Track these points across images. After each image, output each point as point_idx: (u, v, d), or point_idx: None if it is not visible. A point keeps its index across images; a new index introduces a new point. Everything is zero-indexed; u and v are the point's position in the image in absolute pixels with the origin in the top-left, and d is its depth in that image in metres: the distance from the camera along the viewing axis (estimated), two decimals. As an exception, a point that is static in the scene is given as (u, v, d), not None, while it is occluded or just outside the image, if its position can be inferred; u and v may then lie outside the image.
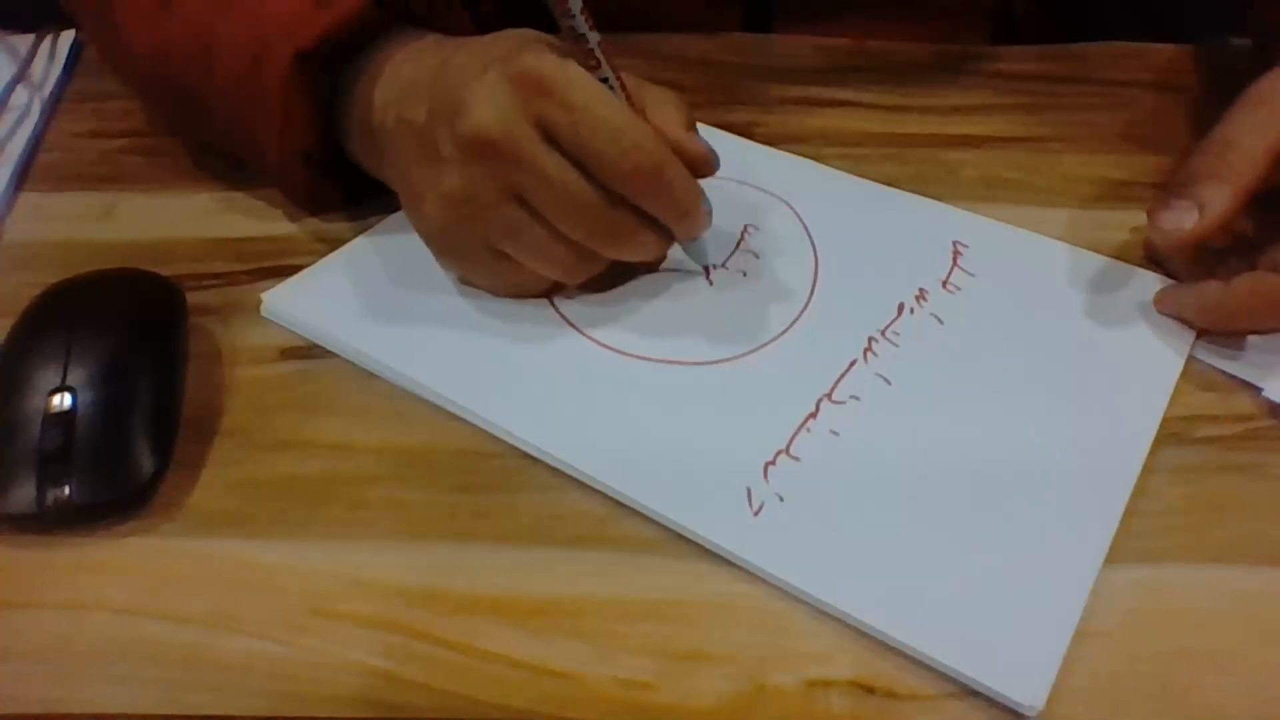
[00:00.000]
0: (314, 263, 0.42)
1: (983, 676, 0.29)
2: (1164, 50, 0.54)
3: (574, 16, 0.34)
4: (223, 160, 0.47)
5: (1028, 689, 0.29)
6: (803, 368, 0.38)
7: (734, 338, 0.39)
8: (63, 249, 0.43)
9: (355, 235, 0.43)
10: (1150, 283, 0.41)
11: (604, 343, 0.39)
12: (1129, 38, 0.55)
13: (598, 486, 0.34)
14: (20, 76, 0.52)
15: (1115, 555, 0.32)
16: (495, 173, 0.34)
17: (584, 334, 0.39)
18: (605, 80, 0.35)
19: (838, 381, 0.37)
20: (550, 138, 0.34)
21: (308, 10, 0.39)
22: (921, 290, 0.41)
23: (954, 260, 0.42)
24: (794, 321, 0.40)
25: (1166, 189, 0.39)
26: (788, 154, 0.47)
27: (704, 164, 0.37)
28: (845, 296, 0.41)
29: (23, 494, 0.33)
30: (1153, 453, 0.35)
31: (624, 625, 0.31)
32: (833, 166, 0.47)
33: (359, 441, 0.36)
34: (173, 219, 0.45)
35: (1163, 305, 0.40)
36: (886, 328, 0.39)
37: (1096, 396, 0.37)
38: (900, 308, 0.40)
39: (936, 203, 0.45)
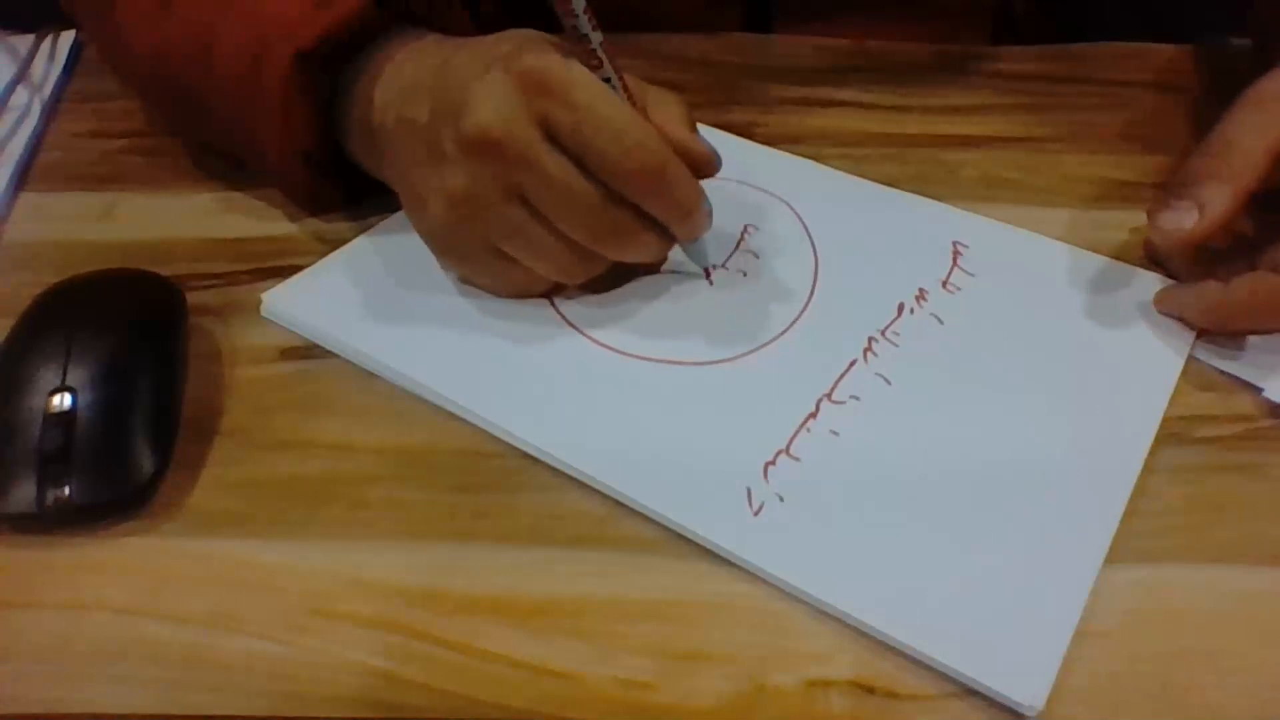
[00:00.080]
0: (314, 263, 0.42)
1: (983, 676, 0.29)
2: (1164, 50, 0.54)
3: (577, 16, 0.34)
4: (223, 160, 0.47)
5: (1028, 689, 0.29)
6: (803, 368, 0.38)
7: (734, 338, 0.39)
8: (63, 249, 0.43)
9: (355, 235, 0.43)
10: (1150, 283, 0.41)
11: (604, 343, 0.39)
12: (1129, 38, 0.55)
13: (598, 486, 0.34)
14: (20, 76, 0.52)
15: (1115, 555, 0.32)
16: (497, 172, 0.34)
17: (584, 334, 0.39)
18: (608, 80, 0.35)
19: (838, 381, 0.37)
20: (553, 137, 0.34)
21: (308, 10, 0.39)
22: (921, 290, 0.41)
23: (954, 260, 0.42)
24: (794, 321, 0.40)
25: (1166, 189, 0.39)
26: (788, 154, 0.47)
27: (706, 164, 0.37)
28: (845, 296, 0.41)
29: (23, 494, 0.33)
30: (1153, 453, 0.35)
31: (624, 625, 0.31)
32: (833, 166, 0.47)
33: (359, 441, 0.36)
34: (173, 219, 0.45)
35: (1163, 305, 0.40)
36: (886, 328, 0.39)
37: (1096, 396, 0.37)
38: (900, 308, 0.40)
39: (936, 203, 0.45)
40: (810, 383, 0.37)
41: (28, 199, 0.47)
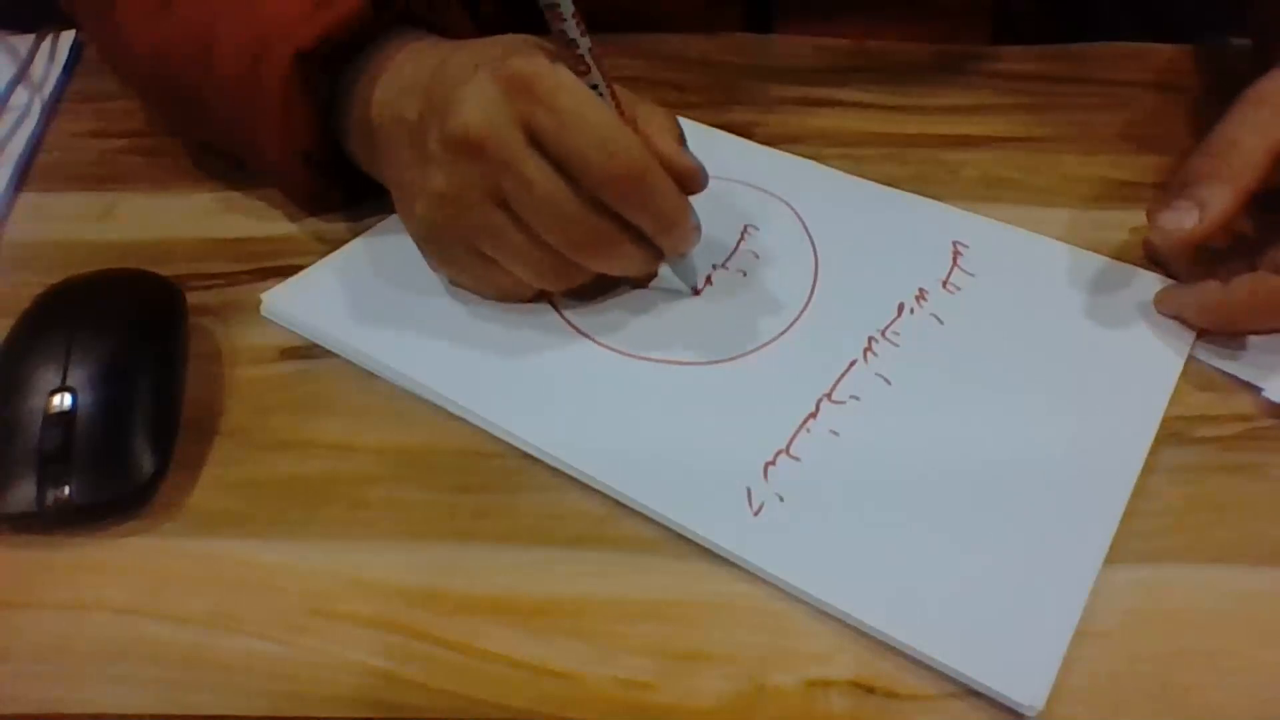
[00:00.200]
0: (314, 263, 0.42)
1: (983, 676, 0.29)
2: (1164, 50, 0.54)
3: (565, 21, 0.34)
4: (223, 160, 0.47)
5: (1028, 689, 0.29)
6: (803, 368, 0.38)
7: (734, 337, 0.39)
8: (63, 249, 0.43)
9: (355, 235, 0.43)
10: (1150, 283, 0.41)
11: (604, 343, 0.39)
12: (1129, 38, 0.55)
13: (598, 486, 0.34)
14: (20, 76, 0.52)
15: (1115, 555, 0.32)
16: (480, 173, 0.34)
17: (584, 334, 0.39)
18: (595, 87, 0.35)
19: (838, 381, 0.37)
20: (537, 142, 0.34)
21: (307, 10, 0.39)
22: (921, 290, 0.41)
23: (954, 260, 0.42)
24: (794, 321, 0.40)
25: (1166, 189, 0.39)
26: (788, 154, 0.47)
27: (691, 179, 0.36)
28: (845, 296, 0.41)
29: (23, 494, 0.33)
30: (1153, 453, 0.35)
31: (624, 625, 0.31)
32: (833, 166, 0.47)
33: (359, 441, 0.36)
34: (173, 219, 0.45)
35: (1163, 305, 0.40)
36: (886, 328, 0.39)
37: (1096, 396, 0.37)
38: (900, 308, 0.40)
39: (936, 203, 0.45)
40: (810, 383, 0.37)
41: (28, 199, 0.47)
